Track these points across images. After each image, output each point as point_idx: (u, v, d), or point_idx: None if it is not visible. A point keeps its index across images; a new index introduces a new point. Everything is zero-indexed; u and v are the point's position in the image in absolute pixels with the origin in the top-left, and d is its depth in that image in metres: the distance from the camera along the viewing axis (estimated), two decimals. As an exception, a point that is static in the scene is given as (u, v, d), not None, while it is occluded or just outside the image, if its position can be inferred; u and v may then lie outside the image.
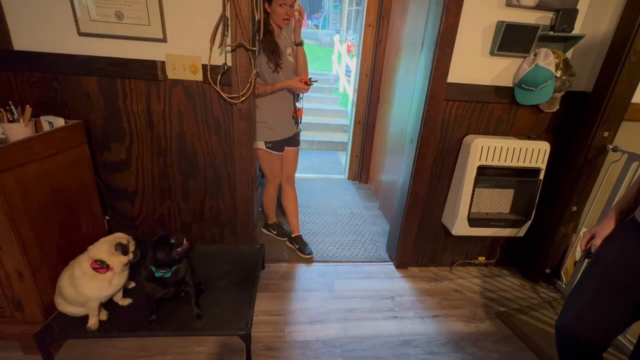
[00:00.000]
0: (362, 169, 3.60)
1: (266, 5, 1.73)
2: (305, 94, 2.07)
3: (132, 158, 1.74)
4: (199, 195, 1.86)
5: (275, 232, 2.41)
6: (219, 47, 1.57)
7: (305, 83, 1.84)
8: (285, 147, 2.07)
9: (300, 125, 2.15)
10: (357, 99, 3.34)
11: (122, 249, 1.30)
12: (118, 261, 1.30)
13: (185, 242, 1.34)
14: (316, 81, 1.93)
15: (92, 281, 1.27)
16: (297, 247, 2.24)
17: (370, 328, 1.68)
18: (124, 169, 1.75)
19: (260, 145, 1.96)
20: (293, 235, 2.29)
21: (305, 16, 1.79)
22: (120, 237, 1.33)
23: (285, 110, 1.98)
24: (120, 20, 1.49)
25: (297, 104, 2.07)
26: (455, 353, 1.58)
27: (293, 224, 2.28)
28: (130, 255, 1.33)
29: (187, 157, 1.77)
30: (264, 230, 2.45)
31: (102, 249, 1.28)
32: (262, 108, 1.90)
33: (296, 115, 2.06)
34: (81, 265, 1.27)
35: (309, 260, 2.18)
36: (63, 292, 1.29)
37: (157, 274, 1.31)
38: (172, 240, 1.30)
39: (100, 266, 1.27)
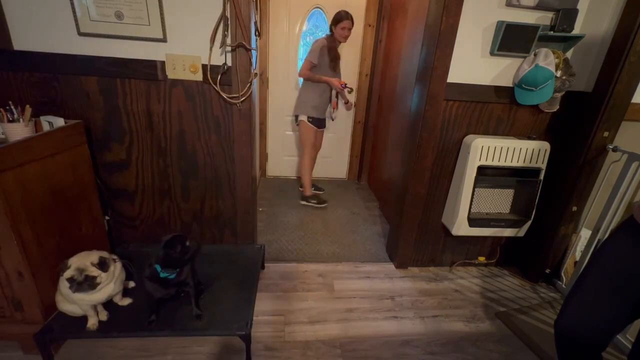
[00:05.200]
0: (362, 169, 3.60)
1: (333, 28, 2.58)
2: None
3: (132, 158, 1.74)
4: (199, 195, 1.86)
5: (314, 202, 2.90)
6: (219, 47, 1.57)
7: (342, 85, 2.64)
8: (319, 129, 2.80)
9: (334, 115, 3.03)
10: (357, 99, 3.34)
11: (69, 282, 1.20)
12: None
13: (197, 245, 1.33)
14: (351, 90, 2.85)
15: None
16: (319, 192, 3.12)
17: (370, 328, 1.68)
18: (124, 169, 1.75)
19: (304, 118, 2.72)
20: (309, 191, 2.99)
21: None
22: (77, 263, 1.21)
23: (324, 97, 2.72)
24: (120, 20, 1.49)
25: (334, 98, 2.86)
26: (455, 353, 1.58)
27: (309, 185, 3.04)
28: (85, 287, 1.22)
29: (187, 157, 1.77)
30: (302, 203, 2.93)
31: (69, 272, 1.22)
32: (311, 91, 2.67)
33: (332, 107, 2.89)
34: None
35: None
36: (62, 290, 1.29)
37: (162, 275, 1.31)
38: (187, 243, 1.30)
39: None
